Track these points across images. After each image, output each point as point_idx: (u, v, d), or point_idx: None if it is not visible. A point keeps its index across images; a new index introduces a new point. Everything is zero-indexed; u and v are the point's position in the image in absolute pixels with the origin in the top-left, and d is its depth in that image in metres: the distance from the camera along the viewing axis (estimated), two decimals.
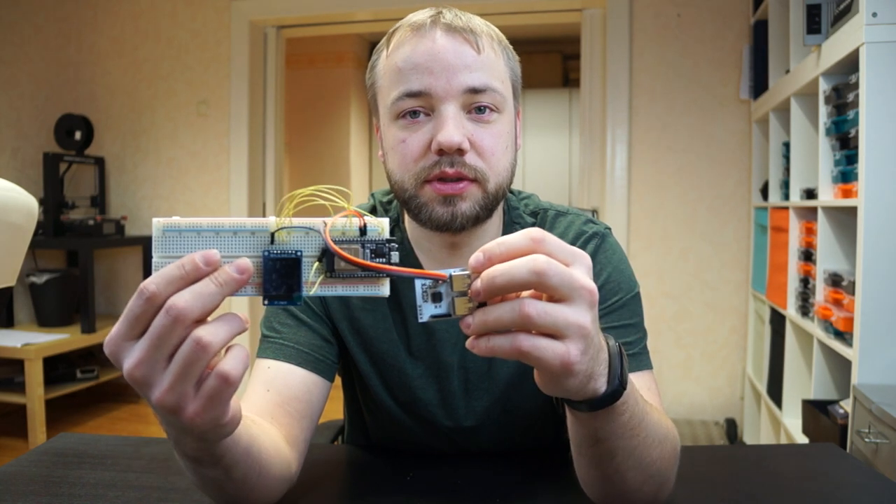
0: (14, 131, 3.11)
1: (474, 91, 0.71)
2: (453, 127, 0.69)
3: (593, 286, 0.46)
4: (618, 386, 0.51)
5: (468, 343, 0.46)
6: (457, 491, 0.72)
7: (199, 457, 0.52)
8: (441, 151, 0.70)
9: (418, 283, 0.46)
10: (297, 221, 0.46)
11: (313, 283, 0.46)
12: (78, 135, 3.09)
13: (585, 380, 0.48)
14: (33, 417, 2.54)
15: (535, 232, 0.45)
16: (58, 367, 2.85)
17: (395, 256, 0.47)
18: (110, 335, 0.44)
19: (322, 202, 0.47)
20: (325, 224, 0.46)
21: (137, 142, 3.32)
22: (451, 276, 0.46)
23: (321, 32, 3.52)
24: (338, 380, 0.86)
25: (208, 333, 0.42)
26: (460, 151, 0.70)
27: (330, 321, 0.82)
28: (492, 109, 0.72)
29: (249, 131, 3.16)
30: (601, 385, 0.50)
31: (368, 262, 0.46)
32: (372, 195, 0.91)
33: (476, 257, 0.45)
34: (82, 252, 2.88)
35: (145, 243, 3.26)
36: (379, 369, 0.83)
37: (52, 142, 3.16)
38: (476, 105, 0.72)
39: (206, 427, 0.46)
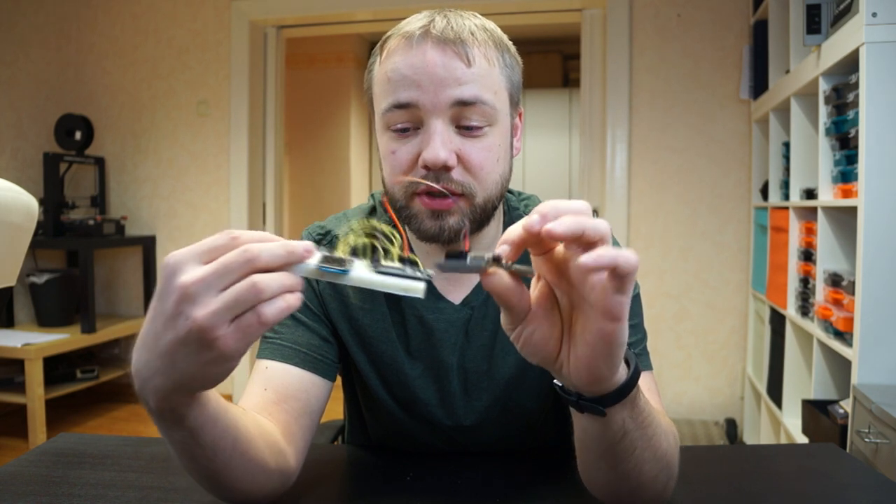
0: (14, 131, 3.11)
1: (463, 104, 0.70)
2: (439, 144, 0.69)
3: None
4: (635, 369, 0.54)
5: (484, 281, 0.49)
6: (457, 491, 0.72)
7: (178, 416, 0.52)
8: (428, 167, 0.70)
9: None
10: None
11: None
12: (78, 135, 3.09)
13: (619, 357, 0.49)
14: (33, 417, 2.54)
15: None
16: (58, 367, 2.85)
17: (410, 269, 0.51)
18: (181, 251, 0.47)
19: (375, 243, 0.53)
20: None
21: (137, 142, 3.32)
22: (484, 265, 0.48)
23: (321, 32, 3.52)
24: (338, 380, 0.86)
25: (264, 280, 0.46)
26: (446, 168, 0.70)
27: (329, 321, 0.82)
28: (482, 124, 0.72)
29: (249, 131, 3.16)
30: (623, 372, 0.53)
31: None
32: (372, 195, 0.91)
33: (530, 220, 0.46)
34: (82, 252, 2.88)
35: (145, 243, 3.26)
36: (378, 369, 0.83)
37: (52, 142, 3.16)
38: (465, 119, 0.71)
39: (222, 354, 0.46)
